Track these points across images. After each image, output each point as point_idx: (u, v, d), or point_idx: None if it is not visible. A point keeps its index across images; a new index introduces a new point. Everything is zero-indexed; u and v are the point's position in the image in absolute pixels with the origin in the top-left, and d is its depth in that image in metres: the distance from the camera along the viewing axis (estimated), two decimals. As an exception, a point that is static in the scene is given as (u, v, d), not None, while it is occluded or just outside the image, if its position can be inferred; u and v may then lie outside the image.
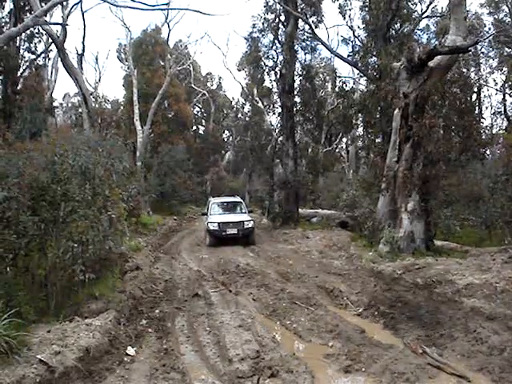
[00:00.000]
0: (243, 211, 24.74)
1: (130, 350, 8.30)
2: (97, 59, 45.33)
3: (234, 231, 22.48)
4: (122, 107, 46.97)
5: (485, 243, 18.26)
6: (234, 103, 57.79)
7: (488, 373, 7.14)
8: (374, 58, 27.92)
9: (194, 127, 56.23)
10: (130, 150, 30.94)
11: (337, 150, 51.63)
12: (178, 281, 14.36)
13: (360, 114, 32.28)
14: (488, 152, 29.31)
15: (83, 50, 29.64)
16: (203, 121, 58.47)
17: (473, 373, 7.23)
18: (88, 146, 11.61)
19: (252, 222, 23.18)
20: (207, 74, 59.08)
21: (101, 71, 48.64)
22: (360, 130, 40.53)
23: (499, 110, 39.30)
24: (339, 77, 42.75)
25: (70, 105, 55.13)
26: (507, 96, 36.87)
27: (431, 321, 9.54)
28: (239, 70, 47.01)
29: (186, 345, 8.90)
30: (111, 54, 73.77)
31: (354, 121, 34.47)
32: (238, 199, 26.77)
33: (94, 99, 38.90)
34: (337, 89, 40.91)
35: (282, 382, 7.11)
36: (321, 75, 45.72)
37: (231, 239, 22.39)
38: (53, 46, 30.18)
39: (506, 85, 35.30)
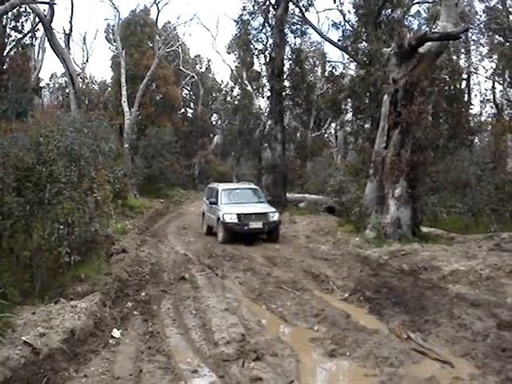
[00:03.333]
0: (262, 200, 20.46)
1: (116, 333, 8.27)
2: (84, 39, 44.98)
3: (259, 225, 18.19)
4: (109, 88, 46.62)
5: (471, 230, 18.36)
6: (222, 86, 57.52)
7: (471, 358, 7.19)
8: (365, 43, 27.88)
9: (182, 110, 55.96)
10: (117, 132, 30.77)
11: (325, 135, 51.59)
12: (165, 264, 14.32)
13: (349, 100, 32.22)
14: (476, 139, 29.48)
15: (71, 30, 29.25)
16: (191, 103, 58.17)
17: (456, 358, 7.28)
18: (74, 126, 11.48)
19: (277, 214, 19.08)
20: (196, 56, 58.76)
21: (88, 52, 48.19)
22: (349, 116, 40.44)
23: (488, 98, 39.35)
24: (329, 61, 42.58)
25: (56, 85, 54.58)
26: (496, 84, 36.89)
27: (416, 306, 9.60)
28: (228, 53, 46.66)
29: (171, 328, 8.88)
30: (99, 34, 73.26)
31: (343, 106, 34.37)
32: (253, 186, 22.26)
33: (81, 80, 38.60)
34: (326, 73, 40.79)
35: (266, 366, 7.11)
36: (310, 59, 45.48)
37: (254, 235, 18.43)
38: (40, 26, 29.67)
39: (496, 72, 35.31)
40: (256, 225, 18.14)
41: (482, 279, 10.26)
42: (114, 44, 41.15)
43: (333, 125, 49.83)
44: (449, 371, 6.90)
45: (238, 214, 18.11)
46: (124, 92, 34.40)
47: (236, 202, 19.42)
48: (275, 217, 18.60)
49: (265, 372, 6.88)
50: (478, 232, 17.37)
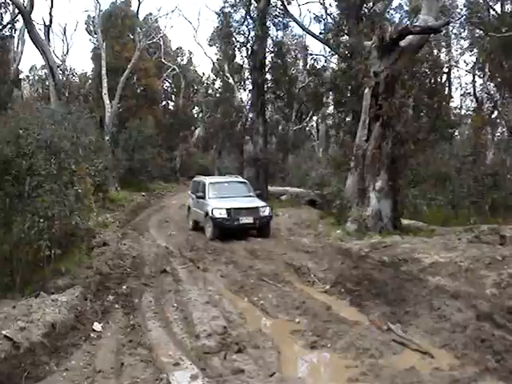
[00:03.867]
0: (252, 194, 19.31)
1: (97, 326, 8.25)
2: (65, 31, 44.33)
3: (250, 220, 17.26)
4: (90, 81, 46.25)
5: (451, 222, 18.48)
6: (204, 79, 57.25)
7: (451, 349, 7.28)
8: (346, 37, 27.94)
9: (164, 102, 55.63)
10: (98, 125, 30.52)
11: (307, 128, 51.73)
12: (146, 257, 14.28)
13: (331, 93, 32.31)
14: (456, 132, 29.73)
15: (51, 22, 28.99)
16: (173, 96, 57.79)
17: (436, 349, 7.36)
18: (54, 119, 11.38)
19: (269, 208, 18.09)
20: (178, 48, 58.39)
21: (69, 43, 47.55)
22: (330, 109, 40.61)
23: (468, 91, 39.68)
24: (311, 54, 42.79)
25: (36, 77, 54.03)
26: (477, 77, 37.20)
27: (396, 298, 9.67)
28: (210, 46, 46.57)
29: (153, 321, 8.87)
30: (79, 26, 72.38)
31: (324, 99, 34.52)
32: (241, 179, 21.24)
33: (61, 72, 38.24)
34: (308, 67, 40.95)
35: (248, 358, 7.14)
36: (292, 52, 45.51)
37: (244, 231, 17.47)
38: (19, 17, 29.33)
39: (476, 66, 35.59)
40: (247, 220, 17.23)
41: (461, 271, 10.35)
42: (95, 36, 40.79)
43: (314, 118, 49.92)
44: (429, 362, 6.98)
45: (227, 209, 17.14)
46: (105, 84, 34.13)
47: (224, 196, 18.42)
48: (266, 211, 17.69)
49: (246, 364, 6.92)
50: (457, 224, 17.49)
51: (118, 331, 8.21)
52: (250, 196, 19.10)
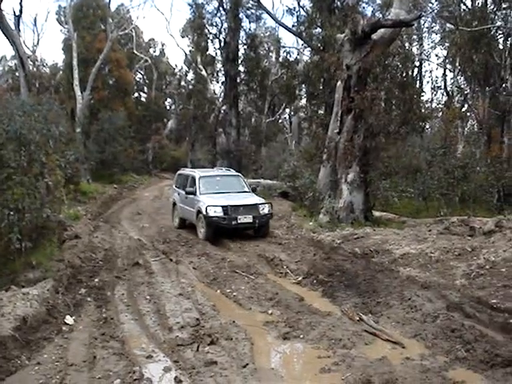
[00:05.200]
0: (248, 189, 17.45)
1: (69, 319, 8.20)
2: (35, 21, 44.06)
3: (249, 219, 15.37)
4: (60, 72, 45.58)
5: (421, 214, 18.73)
6: (177, 70, 56.80)
7: (422, 339, 7.38)
8: (319, 29, 27.98)
9: (136, 94, 55.08)
10: (69, 116, 30.16)
11: (280, 121, 51.77)
12: (118, 250, 14.18)
13: (303, 85, 32.37)
14: (427, 125, 30.02)
15: (21, 12, 28.36)
16: (145, 88, 57.32)
17: (407, 339, 7.46)
18: (23, 110, 11.23)
19: (268, 205, 16.23)
20: (150, 40, 57.88)
21: (39, 34, 46.93)
22: (303, 101, 40.63)
23: (439, 85, 40.08)
24: (283, 47, 42.72)
25: (6, 68, 53.09)
26: (448, 71, 37.59)
27: (368, 289, 9.78)
28: (183, 37, 46.39)
29: (125, 313, 8.84)
30: (50, 16, 71.31)
31: (297, 91, 34.52)
32: (234, 172, 19.30)
33: (31, 63, 37.62)
34: (281, 59, 40.93)
35: (221, 349, 7.16)
36: (265, 45, 45.47)
37: (242, 231, 15.88)
38: (-12, 6, 28.79)
39: (447, 60, 35.94)
40: (245, 219, 15.32)
41: (431, 262, 10.51)
42: (66, 26, 40.17)
43: (287, 110, 50.04)
44: (400, 352, 7.07)
45: (223, 207, 15.31)
46: (76, 75, 33.67)
47: (218, 191, 16.66)
48: (266, 209, 15.90)
49: (219, 356, 6.94)
50: (428, 216, 17.73)
51: (90, 324, 8.16)
52: (246, 191, 17.30)
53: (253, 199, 16.46)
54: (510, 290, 8.30)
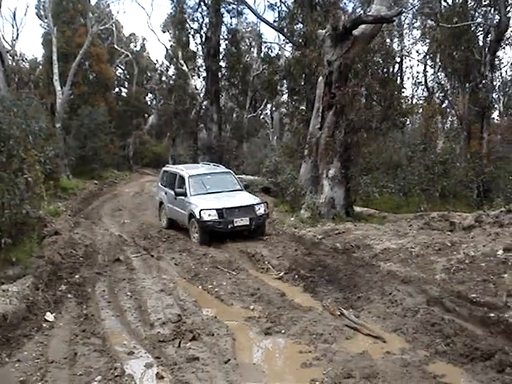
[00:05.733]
0: (240, 188, 16.63)
1: (49, 316, 8.15)
2: (14, 15, 43.06)
3: (245, 222, 14.47)
4: (40, 66, 45.08)
5: (402, 209, 18.87)
6: (157, 66, 56.37)
7: (402, 333, 7.45)
8: (300, 25, 27.93)
9: (117, 89, 54.66)
10: (49, 112, 29.84)
11: (261, 116, 51.66)
12: (99, 246, 14.11)
13: (285, 81, 32.32)
14: (408, 121, 30.20)
15: (-1, 6, 28.13)
16: (126, 83, 56.93)
17: (388, 334, 7.52)
18: (3, 105, 11.11)
19: (264, 205, 15.42)
20: (131, 34, 57.43)
21: (18, 28, 46.16)
22: (284, 97, 40.61)
23: (420, 81, 40.31)
24: (265, 42, 42.64)
25: (-16, 62, 52.42)
26: (428, 67, 37.79)
27: (349, 284, 9.83)
28: (164, 32, 45.97)
29: (106, 310, 8.83)
30: (30, 10, 70.36)
31: (278, 87, 34.47)
32: (224, 168, 18.23)
33: (10, 57, 37.17)
34: (262, 54, 40.83)
35: (203, 345, 7.17)
36: (247, 40, 45.35)
37: (238, 234, 14.70)
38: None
39: (428, 56, 36.14)
40: (242, 221, 14.44)
41: (412, 257, 10.57)
42: (46, 21, 39.66)
43: (269, 106, 49.94)
44: (380, 346, 7.13)
45: (218, 210, 14.37)
46: (56, 70, 33.32)
47: (210, 191, 15.69)
48: (262, 209, 15.03)
49: (201, 352, 6.95)
50: (408, 211, 17.86)
51: (70, 321, 8.13)
52: (239, 190, 16.45)
53: (248, 199, 15.54)
54: (490, 285, 8.38)
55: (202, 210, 14.35)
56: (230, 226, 14.39)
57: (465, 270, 9.21)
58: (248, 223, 14.52)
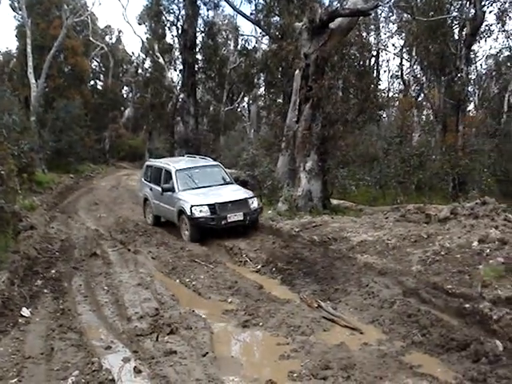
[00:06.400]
0: (230, 181, 15.84)
1: (25, 312, 8.07)
2: (-14, 7, 42.51)
3: (239, 217, 13.74)
4: (14, 59, 44.54)
5: (378, 202, 19.02)
6: (133, 58, 56.05)
7: (379, 325, 7.51)
8: (277, 18, 27.96)
9: (92, 82, 54.18)
10: (23, 105, 29.50)
11: (238, 109, 51.65)
12: (75, 240, 13.99)
13: (262, 74, 32.39)
14: (384, 114, 30.42)
15: (-29, -4, 27.68)
16: (102, 76, 56.46)
17: (365, 325, 7.58)
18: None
19: (256, 199, 14.96)
20: (106, 27, 56.84)
21: (-9, 19, 45.57)
22: (262, 90, 40.75)
23: (396, 74, 40.64)
24: (242, 35, 42.64)
25: (-43, 55, 51.65)
26: (404, 61, 38.07)
27: (326, 276, 9.88)
28: (140, 24, 45.63)
29: (83, 305, 8.79)
30: (3, 1, 69.15)
31: (255, 80, 34.58)
32: (212, 161, 17.13)
33: (-17, 50, 36.67)
34: (239, 47, 40.81)
35: (181, 339, 7.16)
36: (223, 33, 45.24)
37: (232, 230, 13.86)
38: None
39: (404, 50, 36.40)
40: (235, 217, 13.68)
41: (388, 249, 10.65)
42: (20, 13, 39.07)
43: (246, 99, 49.90)
44: (358, 337, 7.19)
45: (210, 205, 13.61)
46: (30, 63, 32.92)
47: (199, 186, 14.89)
48: (255, 203, 14.43)
49: (179, 345, 6.94)
50: (385, 203, 18.02)
51: (47, 316, 8.06)
52: (230, 183, 15.67)
53: (241, 193, 14.72)
54: (465, 276, 8.48)
55: (192, 206, 13.62)
56: (223, 222, 13.62)
57: (440, 261, 9.31)
58: (242, 218, 13.81)
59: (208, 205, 13.63)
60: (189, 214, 13.60)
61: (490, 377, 5.78)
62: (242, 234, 13.89)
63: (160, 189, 15.21)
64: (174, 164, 15.79)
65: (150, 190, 16.30)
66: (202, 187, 14.81)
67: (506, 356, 6.17)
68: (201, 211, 13.57)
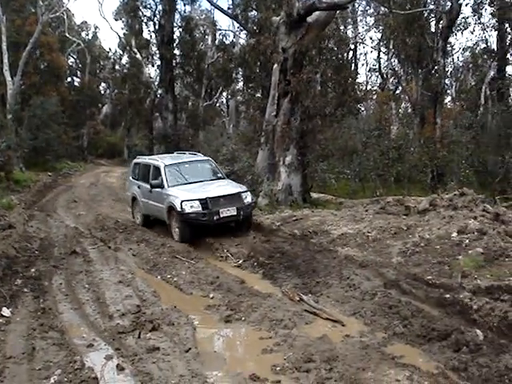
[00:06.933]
0: (222, 175, 15.14)
1: (5, 311, 7.99)
2: (-40, 3, 41.89)
3: (232, 212, 12.94)
4: (-11, 56, 44.06)
5: (358, 195, 19.12)
6: (110, 54, 55.63)
7: (361, 317, 7.55)
8: (255, 12, 27.94)
9: (69, 79, 53.75)
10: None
11: (217, 104, 51.54)
12: (55, 238, 13.87)
13: (240, 68, 32.36)
14: (362, 108, 30.56)
15: None
16: (78, 72, 56.00)
17: (347, 317, 7.61)
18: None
19: (250, 193, 14.08)
20: (82, 23, 56.33)
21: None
22: (240, 85, 40.66)
23: (374, 68, 40.83)
24: (219, 30, 42.49)
25: None
26: (382, 54, 38.26)
27: (308, 269, 9.90)
28: (116, 20, 45.23)
29: (64, 303, 8.71)
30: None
31: (233, 75, 34.52)
32: (202, 156, 16.45)
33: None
34: (217, 42, 40.69)
35: (163, 335, 7.14)
36: (201, 28, 45.04)
37: (224, 227, 13.30)
38: None
39: (381, 43, 36.57)
40: (228, 212, 12.89)
41: (369, 241, 10.73)
42: (-6, 9, 38.79)
43: (224, 94, 49.83)
44: (340, 330, 7.22)
45: (201, 200, 12.85)
46: (5, 60, 32.55)
47: (190, 181, 14.20)
48: (249, 197, 13.61)
49: (161, 342, 6.92)
50: (364, 196, 18.12)
51: (28, 315, 7.98)
52: (221, 178, 14.93)
53: (233, 187, 14.02)
54: (445, 267, 8.58)
55: (183, 201, 12.85)
56: (215, 218, 12.80)
57: (420, 252, 9.41)
58: (235, 213, 12.98)
59: (199, 200, 12.88)
60: (179, 209, 12.82)
61: (470, 366, 5.85)
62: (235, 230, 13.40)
63: (149, 186, 14.42)
64: (162, 160, 15.07)
65: (138, 187, 15.53)
66: (193, 182, 14.11)
67: (486, 345, 6.25)
68: (192, 206, 12.79)
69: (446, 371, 5.83)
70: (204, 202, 12.81)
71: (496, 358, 5.93)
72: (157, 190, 14.05)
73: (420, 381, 5.64)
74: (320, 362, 6.17)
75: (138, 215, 15.80)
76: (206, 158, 16.05)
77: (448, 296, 7.56)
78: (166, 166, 14.34)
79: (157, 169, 14.47)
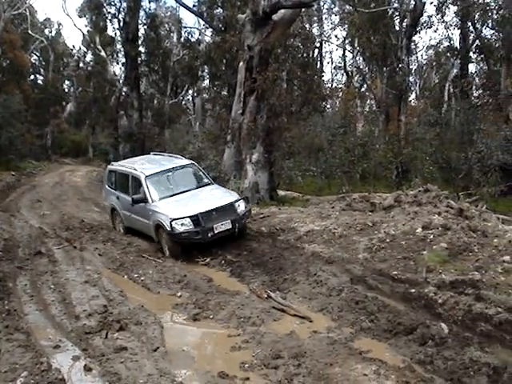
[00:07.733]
0: (208, 181, 13.47)
1: (-32, 314, 7.86)
2: None
3: (227, 226, 11.51)
4: (-51, 54, 43.14)
5: (324, 192, 19.25)
6: (74, 52, 54.95)
7: (328, 312, 7.61)
8: (220, 10, 27.88)
9: (32, 77, 52.97)
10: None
11: (183, 102, 51.31)
12: (19, 239, 13.65)
13: (206, 66, 32.27)
14: (328, 105, 30.75)
15: None
16: (42, 70, 55.20)
17: (314, 313, 7.67)
18: None
19: (243, 201, 12.57)
20: (45, 20, 55.56)
21: None
22: (206, 82, 40.55)
23: (339, 65, 41.13)
24: (185, 27, 42.30)
25: None
26: (347, 52, 38.55)
27: (275, 267, 9.94)
28: (80, 17, 44.64)
29: (29, 304, 8.61)
30: None
31: (199, 72, 34.40)
32: (186, 160, 14.20)
33: None
34: (182, 39, 40.49)
35: (131, 335, 7.11)
36: (166, 25, 44.75)
37: (219, 242, 11.65)
38: None
39: (347, 41, 36.86)
40: (223, 226, 11.49)
41: (335, 237, 10.82)
42: (-46, 6, 37.97)
43: (190, 91, 49.62)
44: (307, 326, 7.27)
45: (192, 217, 11.38)
46: (-34, 57, 32.00)
47: (175, 192, 12.60)
48: (242, 206, 12.18)
49: (129, 341, 6.90)
50: (331, 193, 18.26)
51: (-8, 317, 7.86)
52: (208, 183, 13.36)
53: (225, 196, 12.52)
54: (410, 262, 8.71)
55: (173, 220, 11.36)
56: (209, 235, 11.42)
57: (386, 248, 9.53)
58: (230, 227, 11.60)
59: (190, 217, 11.41)
60: (169, 229, 11.39)
61: (436, 359, 5.95)
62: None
63: (129, 198, 12.83)
64: (141, 168, 13.18)
65: (117, 198, 13.99)
66: (179, 193, 12.59)
67: (451, 338, 6.36)
68: (182, 224, 11.36)
69: (413, 365, 5.93)
70: (195, 218, 11.40)
71: (461, 350, 6.04)
72: (140, 204, 12.51)
73: (387, 374, 5.73)
74: (288, 358, 6.22)
75: (119, 226, 14.31)
76: (188, 161, 14.17)
77: (413, 291, 7.68)
78: (146, 176, 12.67)
79: (136, 180, 12.92)
